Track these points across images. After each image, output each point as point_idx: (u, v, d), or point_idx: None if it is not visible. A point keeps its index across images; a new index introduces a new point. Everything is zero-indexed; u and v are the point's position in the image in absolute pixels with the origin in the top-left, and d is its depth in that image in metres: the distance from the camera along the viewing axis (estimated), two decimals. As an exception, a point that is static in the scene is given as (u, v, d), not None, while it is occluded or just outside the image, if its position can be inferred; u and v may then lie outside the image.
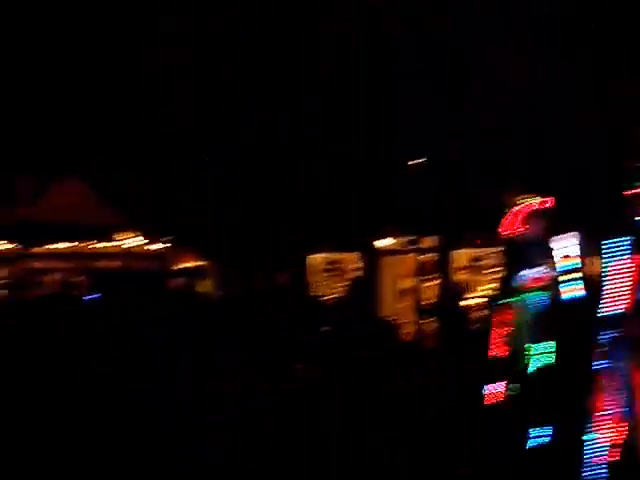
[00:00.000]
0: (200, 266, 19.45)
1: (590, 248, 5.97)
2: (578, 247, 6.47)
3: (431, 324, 15.86)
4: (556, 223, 6.58)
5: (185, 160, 19.11)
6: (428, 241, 17.62)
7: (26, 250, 19.13)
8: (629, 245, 4.63)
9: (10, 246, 18.99)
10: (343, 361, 11.63)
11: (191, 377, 10.49)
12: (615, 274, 4.61)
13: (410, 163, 17.84)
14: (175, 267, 19.38)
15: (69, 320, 13.72)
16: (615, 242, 4.63)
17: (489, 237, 15.70)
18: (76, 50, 19.62)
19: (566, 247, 6.41)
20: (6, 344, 12.05)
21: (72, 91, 19.68)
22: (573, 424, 5.05)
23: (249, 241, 18.35)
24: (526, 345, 6.35)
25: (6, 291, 18.12)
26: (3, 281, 18.72)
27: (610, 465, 4.55)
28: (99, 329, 13.15)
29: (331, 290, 17.70)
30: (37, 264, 19.20)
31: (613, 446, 4.63)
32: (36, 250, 19.14)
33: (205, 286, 18.41)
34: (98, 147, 19.54)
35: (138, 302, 14.76)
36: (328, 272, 18.16)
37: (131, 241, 19.02)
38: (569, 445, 5.14)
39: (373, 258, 17.96)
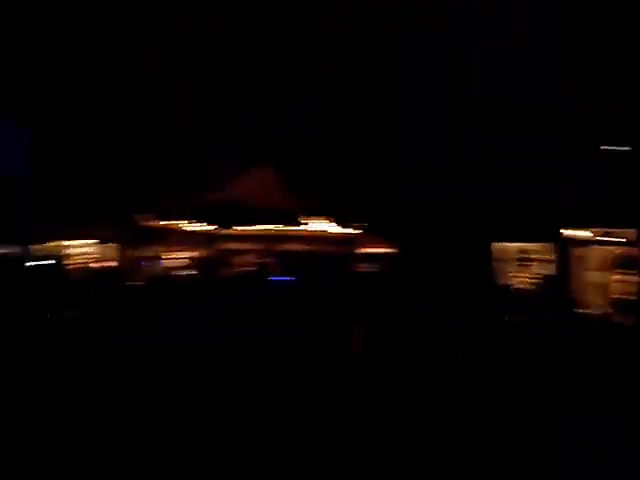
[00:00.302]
0: (387, 252, 19.54)
1: None
2: None
3: (624, 319, 15.25)
4: None
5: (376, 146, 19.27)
6: (623, 233, 16.93)
7: (221, 231, 19.88)
8: None
9: (207, 228, 19.79)
10: (531, 351, 11.40)
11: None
12: None
13: (605, 148, 17.23)
14: (363, 252, 19.55)
15: (256, 299, 14.19)
16: None
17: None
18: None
19: None
20: (197, 319, 12.62)
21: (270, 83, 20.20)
22: None
23: (436, 227, 18.27)
24: None
25: (202, 269, 18.94)
26: (199, 260, 19.58)
27: None
28: (285, 308, 13.53)
29: (520, 279, 17.39)
30: (231, 245, 19.92)
31: None
32: (230, 232, 19.85)
33: (391, 271, 18.48)
34: (288, 134, 19.99)
35: (326, 284, 15.05)
36: (518, 261, 17.83)
37: (320, 225, 19.35)
38: None
39: (565, 249, 17.46)
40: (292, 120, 19.18)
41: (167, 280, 17.88)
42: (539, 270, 17.25)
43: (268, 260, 19.03)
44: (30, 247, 17.65)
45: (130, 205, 18.67)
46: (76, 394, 8.27)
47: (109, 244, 19.14)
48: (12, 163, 19.39)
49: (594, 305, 16.21)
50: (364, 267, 18.45)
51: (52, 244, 18.28)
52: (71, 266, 18.08)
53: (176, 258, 19.63)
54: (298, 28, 19.48)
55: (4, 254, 17.17)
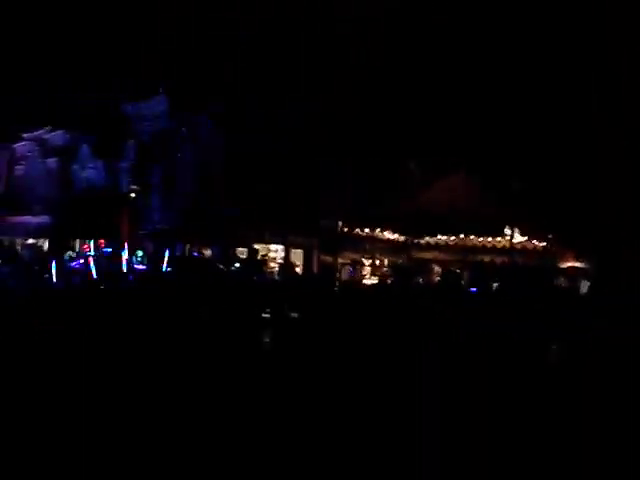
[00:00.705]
0: (582, 267, 18.93)
1: None
2: None
3: None
4: None
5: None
6: None
7: (412, 241, 19.98)
8: None
9: (398, 237, 19.97)
10: None
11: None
12: None
13: None
14: (559, 265, 19.04)
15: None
16: None
17: None
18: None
19: None
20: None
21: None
22: None
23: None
24: None
25: (392, 277, 19.09)
26: (391, 268, 19.78)
27: None
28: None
29: None
30: (421, 254, 19.98)
31: None
32: (421, 241, 19.92)
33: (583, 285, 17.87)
34: (481, 145, 19.78)
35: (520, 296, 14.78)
36: None
37: (512, 237, 19.05)
38: None
39: None
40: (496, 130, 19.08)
41: (358, 286, 18.14)
42: None
43: (459, 270, 18.91)
44: (227, 250, 18.41)
45: (322, 212, 19.13)
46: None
47: (301, 249, 19.67)
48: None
49: None
50: (558, 281, 17.97)
51: (248, 247, 19.00)
52: (266, 269, 18.71)
53: (367, 265, 19.90)
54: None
55: (201, 256, 18.02)
